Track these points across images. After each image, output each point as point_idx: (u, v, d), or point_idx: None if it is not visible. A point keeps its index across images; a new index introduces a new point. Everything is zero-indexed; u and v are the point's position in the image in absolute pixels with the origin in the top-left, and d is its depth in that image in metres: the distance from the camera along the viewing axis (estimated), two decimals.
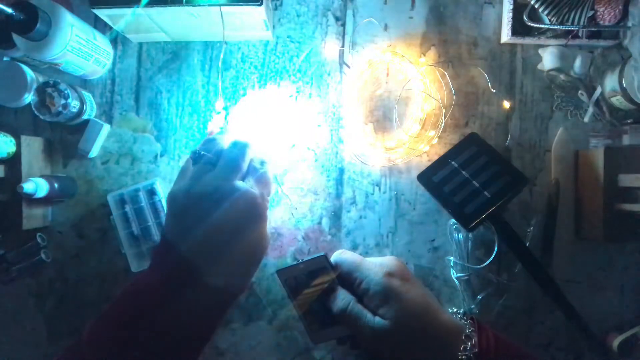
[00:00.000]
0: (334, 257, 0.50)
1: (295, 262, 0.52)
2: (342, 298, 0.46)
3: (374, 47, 0.61)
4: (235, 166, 0.44)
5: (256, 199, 0.43)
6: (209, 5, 0.50)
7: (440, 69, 0.60)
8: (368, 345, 0.45)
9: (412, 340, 0.43)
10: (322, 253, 0.49)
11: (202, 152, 0.45)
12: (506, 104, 0.60)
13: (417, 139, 0.60)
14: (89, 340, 0.38)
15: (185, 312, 0.39)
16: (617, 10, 0.56)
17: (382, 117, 0.61)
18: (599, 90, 0.59)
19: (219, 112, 0.59)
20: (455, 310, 0.54)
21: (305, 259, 0.50)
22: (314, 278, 0.49)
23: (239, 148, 0.46)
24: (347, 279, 0.48)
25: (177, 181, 0.46)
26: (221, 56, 0.61)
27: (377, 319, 0.44)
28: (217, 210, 0.41)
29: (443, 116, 0.59)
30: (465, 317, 0.47)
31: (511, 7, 0.57)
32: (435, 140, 0.59)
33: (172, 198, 0.44)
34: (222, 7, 0.50)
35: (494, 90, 0.60)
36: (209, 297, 0.41)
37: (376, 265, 0.47)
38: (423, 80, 0.59)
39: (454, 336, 0.44)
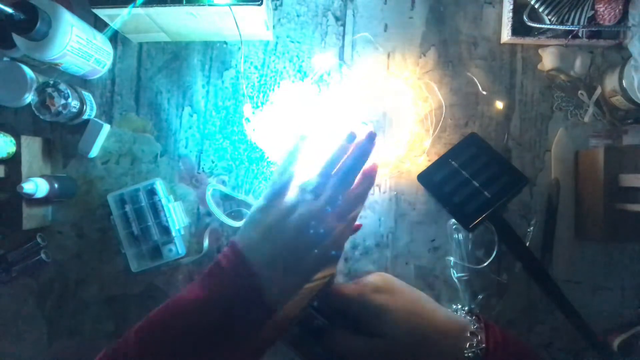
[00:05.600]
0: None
1: None
2: (338, 335, 0.44)
3: (373, 48, 0.61)
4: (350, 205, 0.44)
5: (340, 253, 0.43)
6: (209, 5, 0.50)
7: (431, 83, 0.60)
8: None
9: (414, 349, 0.42)
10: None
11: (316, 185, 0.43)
12: (499, 105, 0.60)
13: (405, 157, 0.60)
14: (137, 342, 0.37)
15: (245, 332, 0.38)
16: (617, 10, 0.56)
17: (377, 126, 0.61)
18: (599, 90, 0.59)
19: (365, 124, 0.59)
20: (459, 306, 0.53)
21: None
22: None
23: (364, 185, 0.46)
24: (335, 312, 0.45)
25: (273, 196, 0.43)
26: (242, 58, 0.61)
27: (376, 340, 0.42)
28: (306, 245, 0.41)
29: (431, 132, 0.59)
30: (470, 314, 0.46)
31: (511, 7, 0.57)
32: (421, 159, 0.59)
33: (263, 212, 0.42)
34: (222, 8, 0.50)
35: (484, 93, 0.60)
36: (271, 321, 0.39)
37: (360, 286, 0.45)
38: (413, 100, 0.60)
39: (457, 333, 0.42)
